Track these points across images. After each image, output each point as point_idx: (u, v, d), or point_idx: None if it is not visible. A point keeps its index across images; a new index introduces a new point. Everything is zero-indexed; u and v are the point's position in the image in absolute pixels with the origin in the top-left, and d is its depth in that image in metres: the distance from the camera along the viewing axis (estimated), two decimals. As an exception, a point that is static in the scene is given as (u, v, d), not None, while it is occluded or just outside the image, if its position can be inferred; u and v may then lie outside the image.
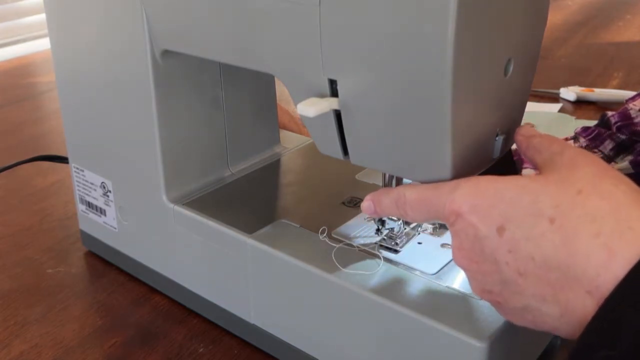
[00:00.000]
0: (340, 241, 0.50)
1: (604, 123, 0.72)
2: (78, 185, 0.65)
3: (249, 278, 0.52)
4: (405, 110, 0.39)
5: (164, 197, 0.56)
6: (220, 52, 0.48)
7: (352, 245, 0.49)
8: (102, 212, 0.64)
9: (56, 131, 0.99)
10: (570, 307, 0.34)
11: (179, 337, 0.56)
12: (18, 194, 0.81)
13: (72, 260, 0.67)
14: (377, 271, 0.46)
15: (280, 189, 0.60)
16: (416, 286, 0.45)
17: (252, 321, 0.53)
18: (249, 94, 0.61)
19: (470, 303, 0.43)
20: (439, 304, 0.43)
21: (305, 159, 0.64)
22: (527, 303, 0.35)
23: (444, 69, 0.36)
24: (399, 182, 0.48)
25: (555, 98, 1.07)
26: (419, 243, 0.49)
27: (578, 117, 0.99)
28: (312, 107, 0.40)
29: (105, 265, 0.66)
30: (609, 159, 0.68)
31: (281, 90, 0.65)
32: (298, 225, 0.52)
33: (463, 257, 0.38)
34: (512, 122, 0.44)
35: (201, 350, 0.55)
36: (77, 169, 0.65)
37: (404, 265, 0.47)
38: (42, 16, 1.11)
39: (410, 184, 0.42)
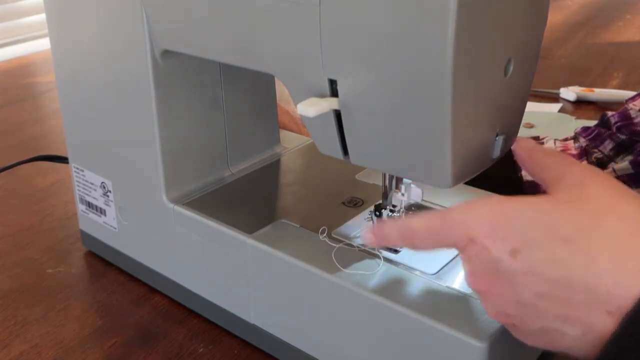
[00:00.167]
0: (340, 241, 0.50)
1: (604, 123, 0.72)
2: (78, 185, 0.65)
3: (249, 278, 0.52)
4: (405, 111, 0.39)
5: (164, 197, 0.56)
6: (220, 52, 0.48)
7: (352, 245, 0.49)
8: (102, 212, 0.64)
9: (56, 131, 0.99)
10: (593, 328, 0.34)
11: (179, 337, 0.56)
12: (18, 194, 0.81)
13: (72, 260, 0.67)
14: (377, 271, 0.46)
15: (280, 189, 0.60)
16: (416, 286, 0.45)
17: (252, 321, 0.53)
18: (249, 94, 0.61)
19: (470, 303, 0.43)
20: (439, 304, 0.43)
21: (305, 159, 0.64)
22: (546, 324, 0.35)
23: (444, 69, 0.36)
24: (399, 182, 0.48)
25: (555, 98, 1.07)
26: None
27: (578, 117, 0.99)
28: (312, 107, 0.40)
29: (105, 265, 0.66)
30: (609, 159, 0.68)
31: (281, 90, 0.65)
32: (298, 225, 0.52)
33: (477, 281, 0.38)
34: (512, 122, 0.44)
35: (201, 350, 0.55)
36: (77, 169, 0.65)
37: (404, 265, 0.47)
38: (42, 16, 1.11)
39: (414, 215, 0.41)
